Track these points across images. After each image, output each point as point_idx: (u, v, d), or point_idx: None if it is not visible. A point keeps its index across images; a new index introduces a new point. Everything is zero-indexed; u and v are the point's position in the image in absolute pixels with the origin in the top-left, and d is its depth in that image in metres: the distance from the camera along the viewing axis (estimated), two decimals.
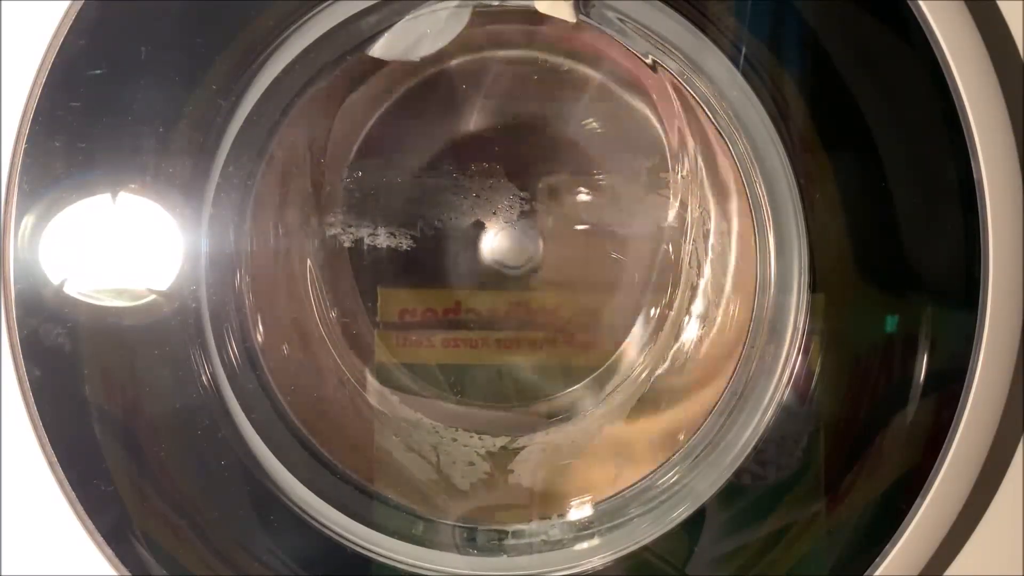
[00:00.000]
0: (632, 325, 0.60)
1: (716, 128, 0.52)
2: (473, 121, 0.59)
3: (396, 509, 0.53)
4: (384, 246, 0.58)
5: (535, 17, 0.51)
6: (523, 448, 0.58)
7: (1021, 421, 0.49)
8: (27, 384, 0.45)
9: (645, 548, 0.50)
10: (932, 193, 0.47)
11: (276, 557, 0.49)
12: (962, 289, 0.46)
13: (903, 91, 0.47)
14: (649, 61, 0.53)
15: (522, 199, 0.58)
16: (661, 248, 0.59)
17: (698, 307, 0.57)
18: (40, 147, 0.45)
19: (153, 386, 0.48)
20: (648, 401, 0.58)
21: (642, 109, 0.58)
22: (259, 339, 0.53)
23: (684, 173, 0.57)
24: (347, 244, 0.58)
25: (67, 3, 0.45)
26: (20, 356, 0.45)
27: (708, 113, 0.52)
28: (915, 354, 0.47)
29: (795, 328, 0.49)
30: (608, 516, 0.53)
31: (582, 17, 0.50)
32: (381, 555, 0.50)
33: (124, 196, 0.46)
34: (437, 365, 0.61)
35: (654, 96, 0.57)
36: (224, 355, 0.50)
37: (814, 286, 0.48)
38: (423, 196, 0.58)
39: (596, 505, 0.54)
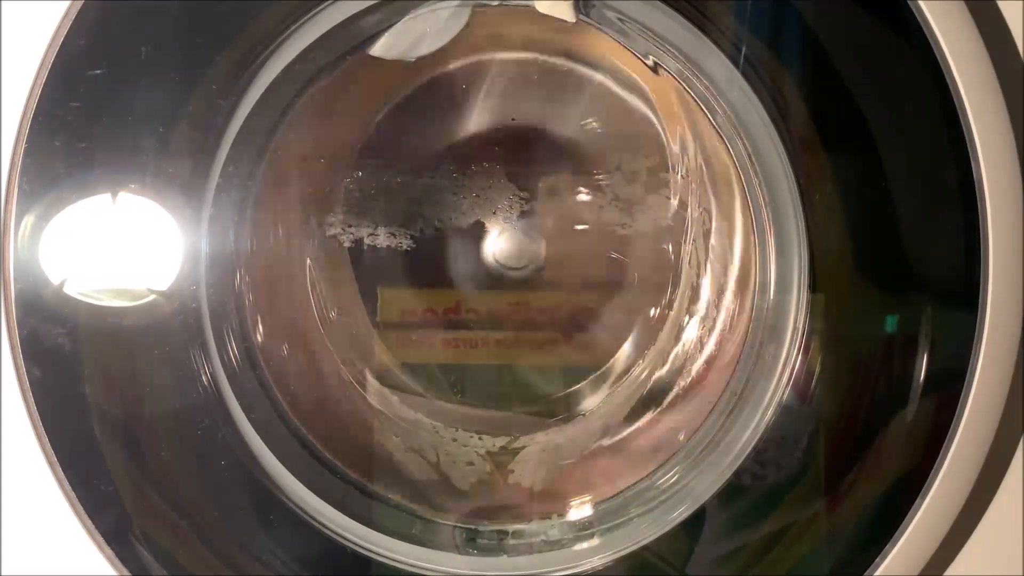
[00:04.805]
0: (632, 325, 0.60)
1: (716, 128, 0.52)
2: (473, 121, 0.59)
3: (396, 509, 0.53)
4: (384, 246, 0.58)
5: (535, 17, 0.51)
6: (523, 448, 0.58)
7: (1021, 421, 0.49)
8: (27, 384, 0.45)
9: (645, 548, 0.50)
10: (932, 193, 0.47)
11: (276, 557, 0.49)
12: (962, 289, 0.46)
13: (903, 91, 0.47)
14: (650, 62, 0.53)
15: (522, 199, 0.58)
16: (661, 248, 0.59)
17: (698, 307, 0.57)
18: (40, 147, 0.45)
19: (153, 386, 0.48)
20: (648, 401, 0.58)
21: (642, 109, 0.58)
22: (259, 339, 0.53)
23: (684, 173, 0.57)
24: (347, 244, 0.58)
25: (67, 3, 0.45)
26: (20, 356, 0.45)
27: (708, 113, 0.52)
28: (915, 354, 0.47)
29: (795, 328, 0.49)
30: (608, 516, 0.53)
31: (582, 17, 0.50)
32: (381, 555, 0.50)
33: (124, 196, 0.46)
34: (437, 365, 0.61)
35: (654, 96, 0.57)
36: (224, 355, 0.50)
37: (814, 286, 0.48)
38: (423, 196, 0.58)
39: (596, 505, 0.54)
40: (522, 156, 0.58)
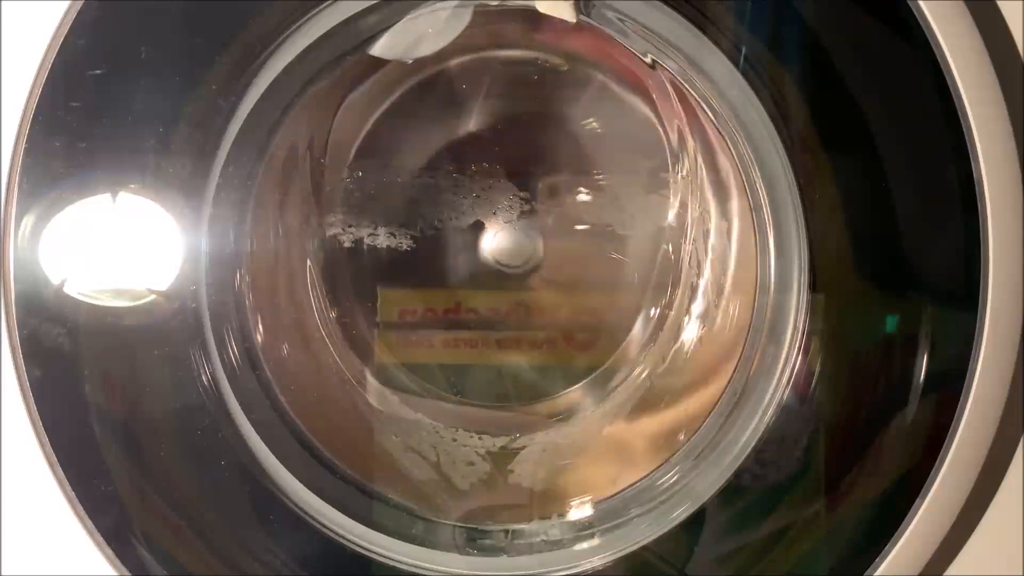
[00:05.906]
0: (632, 325, 0.60)
1: (716, 128, 0.52)
2: (473, 121, 0.59)
3: (396, 509, 0.53)
4: (384, 246, 0.58)
5: (535, 17, 0.51)
6: (523, 448, 0.58)
7: (1021, 421, 0.49)
8: (27, 384, 0.45)
9: (645, 548, 0.50)
10: (932, 193, 0.47)
11: (276, 557, 0.49)
12: (962, 289, 0.46)
13: (903, 91, 0.47)
14: (649, 62, 0.53)
15: (522, 199, 0.58)
16: (661, 248, 0.59)
17: (698, 307, 0.57)
18: (40, 147, 0.45)
19: (153, 386, 0.48)
20: (648, 401, 0.58)
21: (642, 109, 0.58)
22: (259, 339, 0.53)
23: (684, 173, 0.57)
24: (347, 244, 0.58)
25: (67, 3, 0.45)
26: (20, 356, 0.45)
27: (708, 113, 0.52)
28: (915, 354, 0.47)
29: (795, 328, 0.49)
30: (608, 516, 0.53)
31: (582, 17, 0.50)
32: (381, 555, 0.50)
33: (124, 196, 0.46)
34: (437, 365, 0.61)
35: (654, 96, 0.57)
36: (224, 355, 0.50)
37: (814, 286, 0.48)
38: (423, 196, 0.58)
39: (596, 505, 0.54)
40: (522, 156, 0.58)
